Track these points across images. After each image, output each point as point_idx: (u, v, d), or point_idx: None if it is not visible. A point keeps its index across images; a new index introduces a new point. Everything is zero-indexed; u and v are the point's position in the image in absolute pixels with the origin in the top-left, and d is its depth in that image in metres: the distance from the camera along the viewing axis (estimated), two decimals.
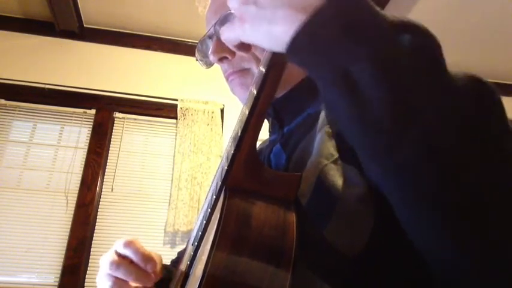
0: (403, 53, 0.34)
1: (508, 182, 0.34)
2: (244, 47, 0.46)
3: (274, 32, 0.38)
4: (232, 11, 0.65)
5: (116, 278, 0.64)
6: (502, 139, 0.36)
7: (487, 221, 0.34)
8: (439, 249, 0.36)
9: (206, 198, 0.64)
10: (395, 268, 0.46)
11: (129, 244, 0.64)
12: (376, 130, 0.34)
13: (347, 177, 0.49)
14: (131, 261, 0.64)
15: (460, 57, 2.99)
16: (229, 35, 0.44)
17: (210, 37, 0.70)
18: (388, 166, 0.35)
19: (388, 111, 0.33)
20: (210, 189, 0.62)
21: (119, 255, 0.65)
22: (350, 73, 0.34)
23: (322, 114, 0.61)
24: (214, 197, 0.52)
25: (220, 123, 2.68)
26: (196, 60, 0.75)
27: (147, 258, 0.64)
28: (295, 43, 0.37)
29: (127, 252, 0.64)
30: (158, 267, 0.67)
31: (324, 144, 0.53)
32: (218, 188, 0.51)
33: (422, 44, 0.35)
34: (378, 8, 0.36)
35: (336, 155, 0.52)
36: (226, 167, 0.49)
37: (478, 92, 0.36)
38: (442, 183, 0.33)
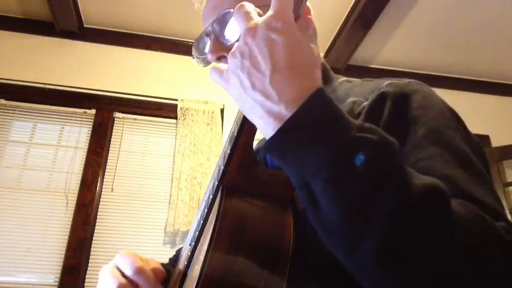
0: (356, 173, 0.37)
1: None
2: None
3: (252, 119, 0.43)
4: (230, 10, 0.65)
5: None
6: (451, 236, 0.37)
7: None
8: None
9: (203, 198, 0.64)
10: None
11: (139, 273, 0.62)
12: (331, 234, 0.39)
13: None
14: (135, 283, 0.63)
15: (460, 57, 2.98)
16: (217, 81, 0.47)
17: (208, 35, 0.70)
18: (349, 264, 0.39)
19: (340, 223, 0.37)
20: (207, 189, 0.62)
21: (122, 274, 0.63)
22: (310, 185, 0.38)
23: None
24: (211, 196, 0.52)
25: (220, 123, 2.67)
26: (193, 58, 0.75)
27: (148, 277, 0.63)
28: (269, 146, 0.41)
29: (137, 280, 0.62)
30: (160, 277, 0.65)
31: None
32: (215, 187, 0.51)
33: (375, 163, 0.37)
34: (343, 121, 0.39)
35: None
36: (222, 167, 0.49)
37: (431, 201, 0.38)
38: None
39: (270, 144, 0.41)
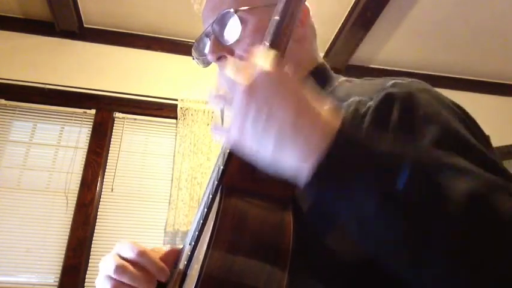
0: (402, 194, 0.37)
1: None
2: None
3: (281, 163, 0.41)
4: (230, 11, 0.65)
5: (117, 281, 0.62)
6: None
7: None
8: None
9: (203, 197, 0.64)
10: (397, 278, 0.46)
11: (143, 254, 0.62)
12: (389, 257, 0.39)
13: None
14: (138, 266, 0.63)
15: (460, 57, 2.98)
16: (226, 138, 0.44)
17: (207, 36, 0.70)
18: (409, 276, 0.39)
19: (395, 245, 0.37)
20: (206, 188, 0.62)
21: (122, 258, 0.63)
22: (359, 213, 0.38)
23: None
24: (211, 196, 0.52)
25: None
26: (193, 59, 0.75)
27: (150, 259, 0.63)
28: (305, 186, 0.40)
29: (142, 261, 0.62)
30: (168, 260, 0.66)
31: None
32: (214, 187, 0.51)
33: (416, 182, 0.37)
34: (375, 144, 0.39)
35: None
36: (222, 166, 0.49)
37: (477, 211, 0.38)
38: None
39: (313, 181, 0.39)
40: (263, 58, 0.43)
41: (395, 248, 0.38)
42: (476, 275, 0.36)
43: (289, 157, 0.40)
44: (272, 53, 0.44)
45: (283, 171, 0.42)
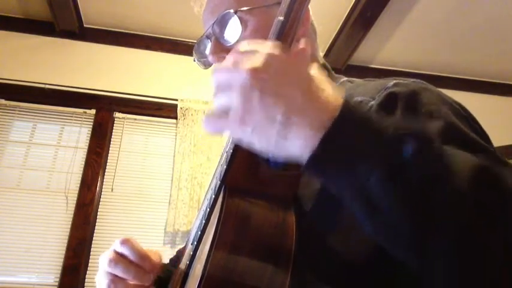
0: (409, 163, 0.37)
1: None
2: None
3: (286, 146, 0.40)
4: (230, 11, 0.65)
5: (114, 275, 0.65)
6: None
7: None
8: None
9: (205, 197, 0.64)
10: (400, 278, 0.46)
11: (125, 242, 0.65)
12: (395, 236, 0.38)
13: None
14: (130, 260, 0.65)
15: (460, 57, 2.98)
16: (222, 128, 0.42)
17: (208, 37, 0.70)
18: (412, 262, 0.39)
19: (404, 221, 0.37)
20: (208, 188, 0.62)
21: (117, 253, 0.66)
22: (366, 189, 0.37)
23: None
24: (213, 196, 0.52)
25: None
26: (194, 60, 0.75)
27: (143, 256, 0.65)
28: (311, 162, 0.39)
29: (124, 250, 0.65)
30: (158, 263, 0.68)
31: None
32: (217, 187, 0.51)
33: (422, 152, 0.38)
34: (380, 121, 0.39)
35: None
36: (225, 166, 0.49)
37: (484, 186, 0.38)
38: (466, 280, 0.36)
39: (319, 156, 0.38)
40: (269, 44, 0.42)
41: (403, 226, 0.37)
42: (484, 244, 0.36)
43: (295, 135, 0.39)
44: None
45: (289, 151, 0.40)
